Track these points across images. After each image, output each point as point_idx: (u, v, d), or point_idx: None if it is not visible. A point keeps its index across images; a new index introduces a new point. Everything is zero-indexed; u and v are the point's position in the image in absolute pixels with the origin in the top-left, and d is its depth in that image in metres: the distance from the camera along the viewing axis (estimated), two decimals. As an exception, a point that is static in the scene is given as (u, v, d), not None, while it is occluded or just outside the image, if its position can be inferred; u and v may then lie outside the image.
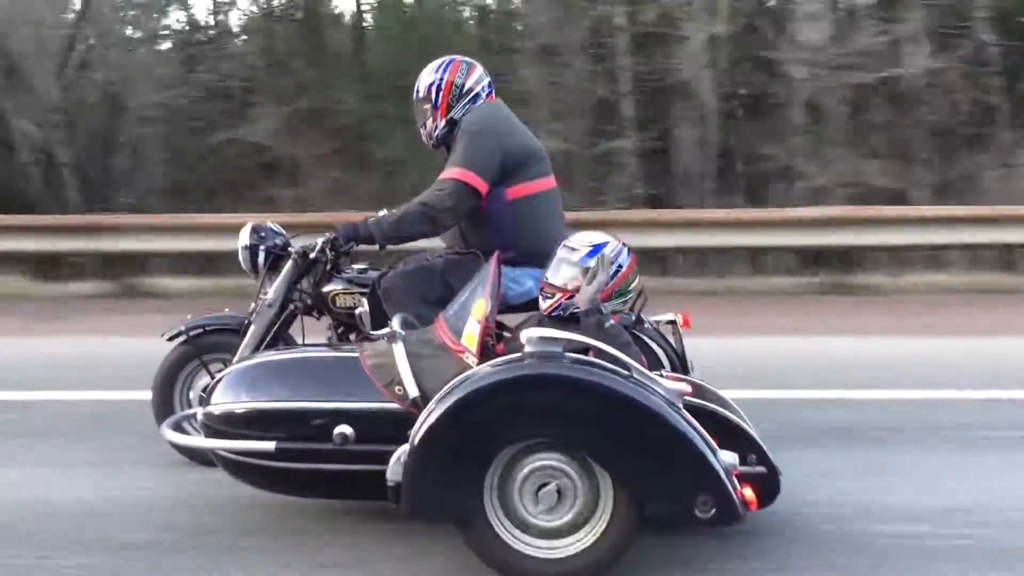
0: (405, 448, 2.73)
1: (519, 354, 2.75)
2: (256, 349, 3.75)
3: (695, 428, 2.66)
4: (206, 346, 3.86)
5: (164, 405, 3.86)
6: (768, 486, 2.94)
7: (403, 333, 3.01)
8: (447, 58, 3.72)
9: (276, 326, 3.79)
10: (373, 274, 3.77)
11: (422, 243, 3.92)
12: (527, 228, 3.58)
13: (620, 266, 3.21)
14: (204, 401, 3.21)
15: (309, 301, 3.84)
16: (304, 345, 3.67)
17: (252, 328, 3.77)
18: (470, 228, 3.59)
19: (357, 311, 3.06)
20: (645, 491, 2.68)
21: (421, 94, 3.67)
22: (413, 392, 2.88)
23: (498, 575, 2.75)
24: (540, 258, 3.58)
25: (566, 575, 2.72)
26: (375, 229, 3.52)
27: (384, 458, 2.85)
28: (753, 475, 2.89)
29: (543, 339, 2.71)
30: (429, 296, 3.55)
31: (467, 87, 3.64)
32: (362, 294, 3.70)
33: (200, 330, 3.86)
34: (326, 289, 3.78)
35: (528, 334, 2.72)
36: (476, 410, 2.67)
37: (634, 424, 2.64)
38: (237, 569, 2.96)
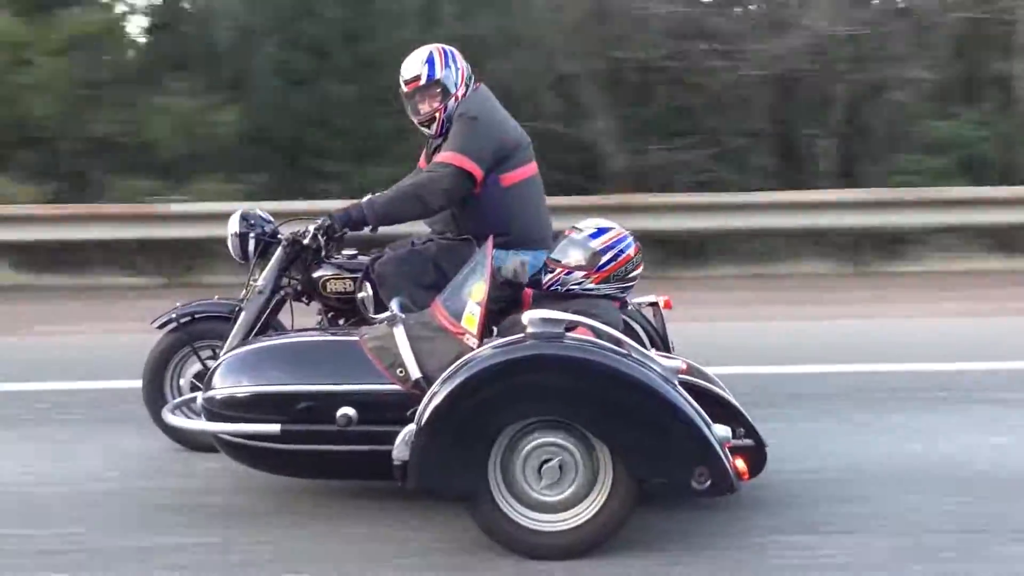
0: (410, 428, 2.82)
1: (521, 335, 2.85)
2: (247, 335, 3.79)
3: (691, 403, 2.78)
4: (196, 333, 3.89)
5: (154, 393, 3.89)
6: (756, 458, 3.08)
7: (403, 316, 3.09)
8: (440, 46, 3.75)
9: (266, 312, 3.84)
10: (363, 259, 3.83)
11: (406, 228, 4.02)
12: (519, 213, 3.67)
13: (621, 251, 3.29)
14: (204, 386, 3.25)
15: (299, 287, 3.89)
16: (302, 330, 3.72)
17: (243, 315, 3.81)
18: (464, 213, 3.66)
19: (359, 295, 3.12)
20: (644, 465, 2.80)
21: (437, 75, 3.66)
22: (415, 374, 2.97)
23: (503, 548, 2.85)
24: (531, 241, 3.69)
25: (567, 547, 2.83)
26: (367, 211, 3.57)
27: (386, 438, 2.93)
28: (742, 448, 3.02)
29: (545, 320, 2.81)
30: (423, 280, 3.62)
31: (470, 73, 3.72)
32: (353, 279, 3.76)
33: (190, 317, 3.89)
34: (317, 275, 3.83)
35: (530, 315, 2.82)
36: (481, 390, 2.76)
37: (634, 401, 2.75)
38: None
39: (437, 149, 3.83)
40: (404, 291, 3.56)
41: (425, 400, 2.83)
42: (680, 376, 2.90)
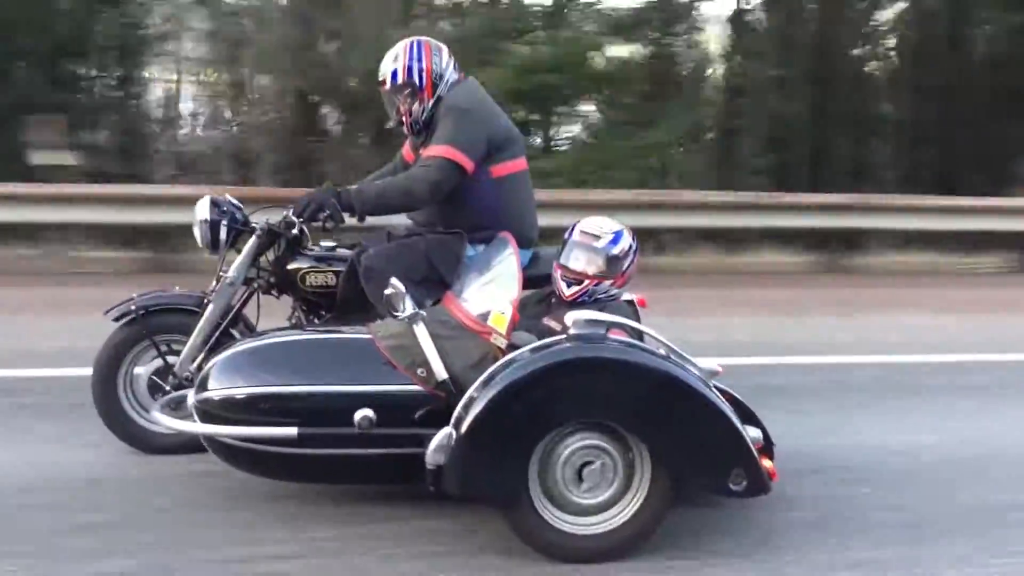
0: (446, 432, 2.72)
1: (562, 336, 2.80)
2: (214, 329, 3.57)
3: (727, 405, 2.83)
4: (155, 327, 3.60)
5: (107, 390, 3.57)
6: (767, 456, 3.15)
7: (424, 314, 2.97)
8: (413, 40, 3.62)
9: (235, 306, 3.61)
10: (344, 252, 3.65)
11: (384, 220, 3.88)
12: (510, 208, 3.60)
13: (635, 252, 3.30)
14: (197, 386, 3.02)
15: (272, 279, 3.67)
16: (292, 327, 3.52)
17: (210, 307, 3.56)
18: (451, 207, 3.55)
19: (387, 292, 2.96)
20: (684, 466, 2.81)
21: (399, 79, 3.54)
22: (442, 375, 2.87)
23: (540, 554, 2.80)
24: (519, 238, 3.62)
25: (606, 550, 2.81)
26: (356, 201, 3.41)
27: (408, 441, 2.84)
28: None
29: (589, 321, 2.78)
30: (413, 275, 3.48)
31: (444, 65, 3.60)
32: (335, 272, 3.59)
33: (149, 310, 3.59)
34: (293, 267, 3.62)
35: (575, 316, 2.78)
36: (525, 394, 2.70)
37: (678, 403, 2.77)
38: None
39: (425, 143, 3.72)
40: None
41: (462, 404, 2.74)
42: (708, 378, 2.94)
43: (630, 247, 3.29)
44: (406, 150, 3.94)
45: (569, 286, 3.25)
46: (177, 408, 3.27)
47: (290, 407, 2.88)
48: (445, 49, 3.68)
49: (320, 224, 3.41)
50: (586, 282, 3.24)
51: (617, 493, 2.83)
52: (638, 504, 2.82)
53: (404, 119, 3.61)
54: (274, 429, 2.84)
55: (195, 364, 3.55)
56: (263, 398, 2.90)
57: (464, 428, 2.68)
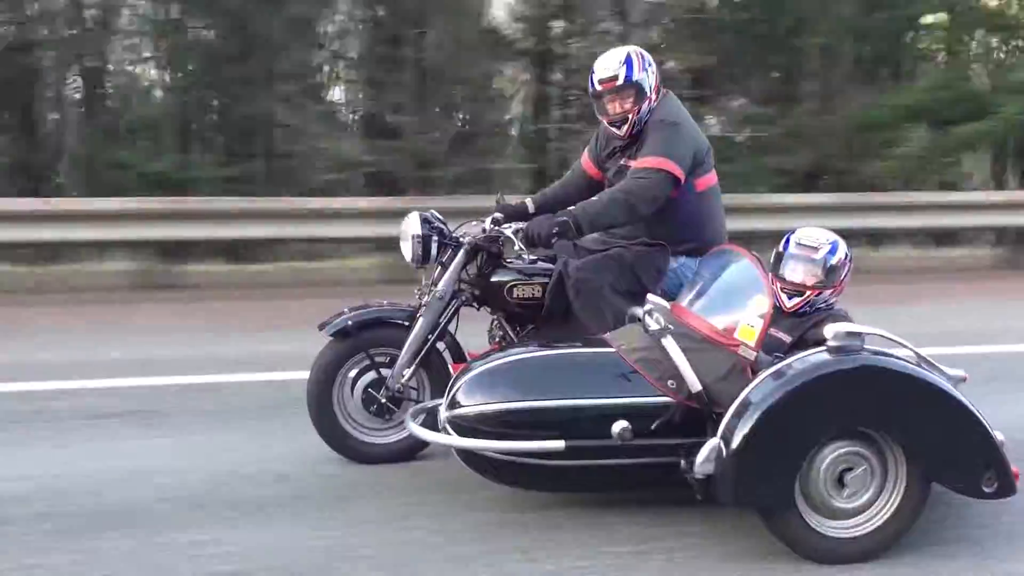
0: (714, 444, 2.83)
1: (822, 348, 2.91)
2: (423, 343, 3.67)
3: (978, 410, 2.94)
4: (370, 340, 3.70)
5: (322, 400, 3.68)
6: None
7: (672, 328, 3.06)
8: (637, 49, 3.73)
9: (445, 318, 3.71)
10: (544, 264, 3.75)
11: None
12: (712, 218, 3.73)
13: (851, 260, 3.44)
14: (449, 403, 3.12)
15: (476, 292, 3.76)
16: (514, 340, 3.65)
17: (421, 321, 3.67)
18: (657, 219, 3.65)
19: (643, 308, 3.05)
20: (941, 469, 2.92)
21: (634, 78, 3.63)
22: (696, 387, 2.97)
23: (801, 557, 2.91)
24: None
25: (862, 552, 2.92)
26: (582, 218, 3.52)
27: (659, 451, 2.98)
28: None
29: (849, 333, 2.88)
30: (618, 287, 3.60)
31: (659, 78, 3.72)
32: (542, 285, 3.69)
33: (363, 324, 3.69)
34: (497, 279, 3.72)
35: (836, 329, 2.88)
36: (796, 405, 2.81)
37: (936, 409, 2.88)
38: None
39: (615, 151, 3.81)
40: (601, 297, 3.56)
41: (730, 416, 2.84)
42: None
43: (846, 256, 3.40)
44: (586, 161, 4.03)
45: (790, 298, 3.37)
46: (416, 419, 3.38)
47: (550, 420, 2.99)
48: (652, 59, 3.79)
49: (552, 243, 3.50)
50: (808, 293, 3.36)
51: (874, 496, 2.93)
52: (895, 506, 2.92)
53: (630, 116, 3.65)
54: (539, 443, 2.95)
55: (406, 377, 3.67)
56: (522, 412, 3.02)
57: (736, 440, 2.78)
